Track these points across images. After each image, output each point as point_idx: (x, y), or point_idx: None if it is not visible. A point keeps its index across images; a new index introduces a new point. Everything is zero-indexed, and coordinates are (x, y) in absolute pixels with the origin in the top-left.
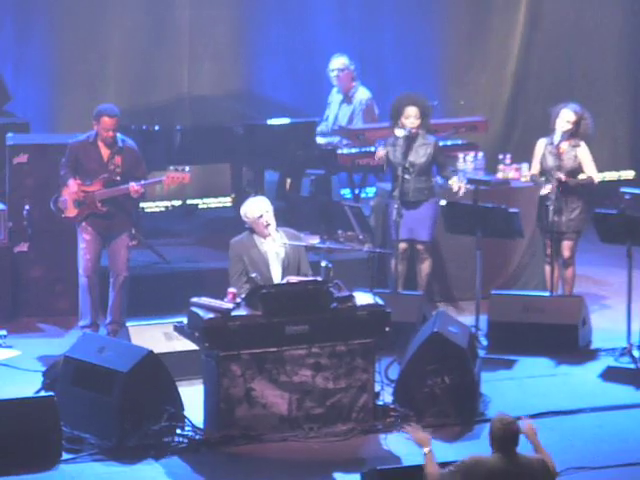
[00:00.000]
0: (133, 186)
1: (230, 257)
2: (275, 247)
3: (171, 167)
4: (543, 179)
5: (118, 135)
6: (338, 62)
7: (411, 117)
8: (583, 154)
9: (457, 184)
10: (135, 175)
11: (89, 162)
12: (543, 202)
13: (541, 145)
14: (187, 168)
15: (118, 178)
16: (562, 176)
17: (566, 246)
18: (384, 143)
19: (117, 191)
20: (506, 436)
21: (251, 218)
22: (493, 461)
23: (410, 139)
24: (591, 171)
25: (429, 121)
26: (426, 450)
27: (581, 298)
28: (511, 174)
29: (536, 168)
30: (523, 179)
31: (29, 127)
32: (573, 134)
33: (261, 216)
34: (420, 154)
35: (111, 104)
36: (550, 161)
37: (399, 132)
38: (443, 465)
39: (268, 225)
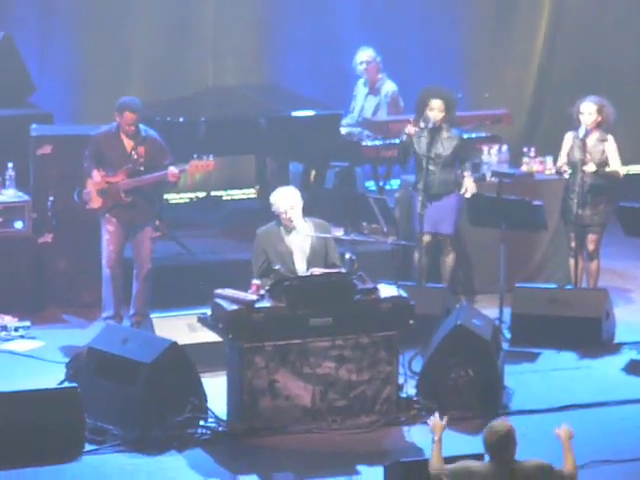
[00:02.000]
0: (172, 170)
1: (254, 247)
2: (300, 239)
3: (195, 156)
4: (570, 171)
5: (141, 126)
6: (365, 54)
7: (435, 109)
8: (610, 148)
9: (465, 185)
10: (160, 164)
11: (112, 153)
12: (568, 195)
13: (569, 138)
14: (211, 157)
15: (142, 168)
16: (592, 166)
17: (591, 239)
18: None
19: (141, 181)
20: (496, 443)
21: (277, 209)
22: (484, 469)
23: (434, 131)
24: (616, 165)
25: (454, 114)
26: (435, 438)
27: (605, 291)
28: (535, 167)
29: (563, 160)
30: (548, 172)
31: (53, 118)
32: (598, 125)
33: (285, 212)
34: (446, 147)
35: (134, 97)
36: (577, 154)
37: (423, 124)
38: (455, 459)
39: (290, 221)
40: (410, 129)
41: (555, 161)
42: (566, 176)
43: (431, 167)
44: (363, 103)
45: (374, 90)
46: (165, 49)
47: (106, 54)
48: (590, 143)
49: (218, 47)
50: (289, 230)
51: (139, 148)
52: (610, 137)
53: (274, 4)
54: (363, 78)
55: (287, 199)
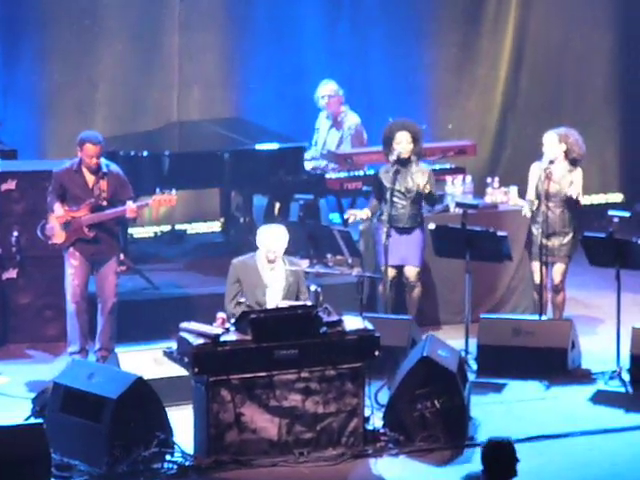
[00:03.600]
0: (130, 205)
1: (228, 277)
2: (277, 274)
3: (157, 190)
4: (536, 202)
5: (102, 160)
6: (327, 88)
7: (402, 142)
8: (577, 179)
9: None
10: (122, 199)
11: (74, 189)
12: (533, 226)
13: (535, 169)
14: (174, 191)
15: (104, 203)
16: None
17: (557, 271)
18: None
19: (105, 215)
20: (490, 452)
21: (265, 246)
22: None
23: (402, 164)
24: (577, 192)
25: (421, 146)
26: None
27: (570, 321)
28: (499, 198)
29: (531, 192)
30: (511, 202)
31: (17, 154)
32: (565, 156)
33: (273, 251)
34: (416, 181)
35: (94, 131)
36: (542, 185)
37: (391, 157)
38: None
39: (273, 260)
40: (361, 216)
41: (522, 192)
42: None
43: (400, 201)
44: (326, 136)
45: (337, 123)
46: (130, 80)
47: (70, 88)
48: (558, 174)
49: (184, 78)
50: (265, 264)
51: (101, 183)
52: (578, 170)
53: (239, 36)
54: (325, 111)
55: (277, 241)
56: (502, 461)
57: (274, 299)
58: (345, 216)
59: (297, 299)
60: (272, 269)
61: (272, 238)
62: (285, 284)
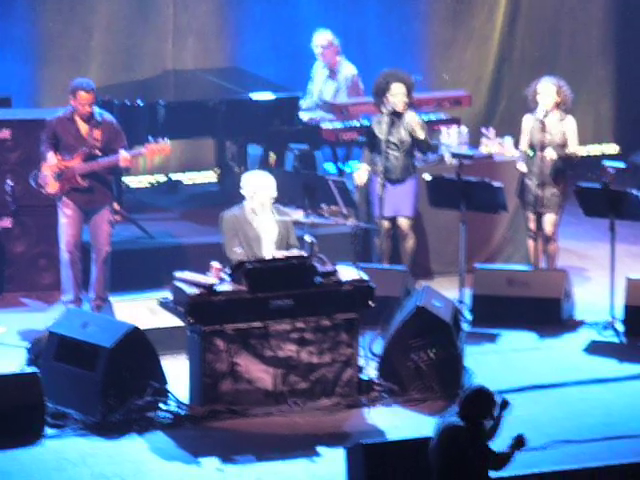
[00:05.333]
0: (123, 154)
1: (224, 231)
2: (267, 223)
3: (151, 139)
4: (532, 154)
5: (96, 109)
6: (322, 38)
7: (399, 94)
8: (569, 128)
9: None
10: (116, 148)
11: (68, 137)
12: (526, 176)
13: (528, 120)
14: (167, 139)
15: (98, 152)
16: (552, 153)
17: (549, 221)
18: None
19: (98, 164)
20: (466, 396)
21: (250, 191)
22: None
23: (396, 116)
24: (575, 146)
25: (412, 97)
26: None
27: (564, 272)
28: (494, 148)
29: (524, 143)
30: (507, 153)
31: (11, 102)
32: (557, 106)
33: (259, 193)
34: (408, 130)
35: (87, 78)
36: (536, 135)
37: (385, 109)
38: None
39: (263, 204)
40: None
41: (516, 144)
42: (520, 167)
43: (393, 152)
44: (322, 86)
45: (333, 73)
46: (125, 29)
47: (65, 36)
48: (550, 124)
49: (178, 27)
50: (255, 215)
51: (95, 131)
52: (570, 117)
53: None
54: (321, 61)
55: (265, 183)
56: (478, 405)
57: (268, 249)
58: (355, 182)
59: (288, 249)
60: (263, 219)
61: (257, 181)
62: (277, 234)
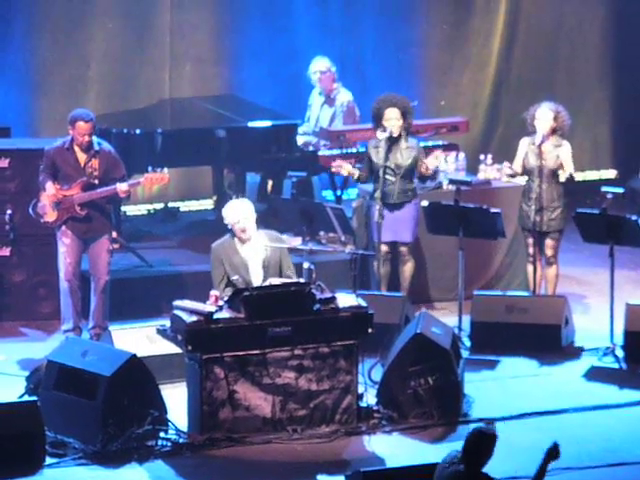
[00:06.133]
0: (120, 186)
1: (212, 261)
2: (255, 251)
3: (149, 168)
4: (526, 177)
5: (94, 139)
6: (320, 64)
7: (392, 119)
8: (565, 153)
9: (434, 160)
10: (114, 177)
11: (66, 167)
12: (525, 201)
13: (524, 144)
14: (165, 169)
15: (96, 181)
16: (563, 175)
17: (549, 245)
18: (365, 149)
19: (97, 194)
20: (472, 442)
21: (229, 221)
22: (451, 464)
23: (392, 141)
24: (570, 169)
25: (411, 122)
26: None
27: (564, 298)
28: (492, 174)
29: (518, 166)
30: (504, 179)
31: (10, 132)
32: (554, 131)
33: (238, 222)
34: (405, 157)
35: (86, 109)
36: (532, 160)
37: (380, 135)
38: (416, 468)
39: (244, 231)
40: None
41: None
42: (521, 181)
43: (390, 177)
44: (319, 113)
45: (330, 100)
46: (122, 57)
47: (62, 65)
48: (545, 149)
49: (175, 55)
50: (243, 242)
51: (93, 161)
52: (566, 143)
53: (232, 10)
54: (318, 87)
55: (238, 210)
56: (482, 452)
57: (255, 275)
58: (333, 164)
59: (281, 275)
60: (249, 245)
61: (232, 210)
62: (264, 258)
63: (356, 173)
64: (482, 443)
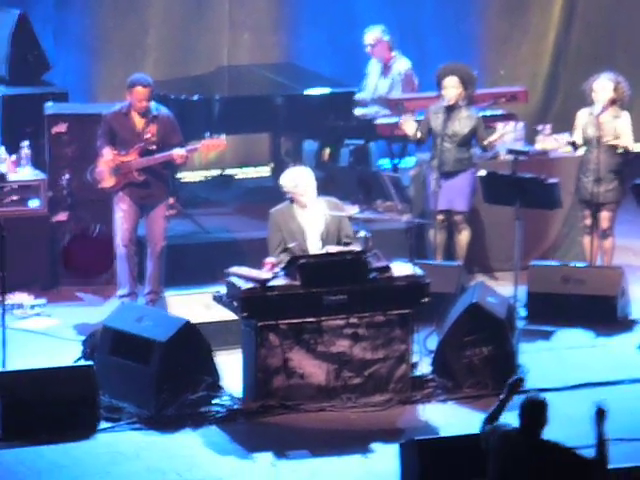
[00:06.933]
0: (177, 152)
1: (269, 227)
2: (314, 218)
3: (207, 135)
4: (584, 148)
5: (152, 104)
6: (370, 37)
7: (449, 87)
8: (623, 124)
9: (499, 132)
10: (171, 143)
11: (124, 132)
12: (582, 172)
13: (583, 115)
14: (223, 136)
15: (154, 147)
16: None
17: (605, 217)
18: (425, 112)
19: (154, 159)
20: (529, 409)
21: (287, 188)
22: (511, 434)
23: (451, 109)
24: (628, 141)
25: (472, 91)
26: None
27: (620, 269)
28: (550, 145)
29: (578, 137)
30: (562, 149)
31: (68, 96)
32: (613, 102)
33: (296, 186)
34: (462, 125)
35: (143, 74)
36: (590, 131)
37: (441, 102)
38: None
39: (302, 196)
40: (407, 127)
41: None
42: (580, 152)
43: (447, 145)
44: (377, 81)
45: (386, 69)
46: (181, 24)
47: (121, 31)
48: (604, 120)
49: (234, 23)
50: (302, 208)
51: (150, 126)
52: (625, 113)
53: None
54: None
55: (298, 177)
56: (537, 419)
57: (313, 242)
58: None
59: (339, 244)
60: (307, 212)
61: (291, 178)
62: (323, 228)
63: (418, 134)
64: (536, 411)
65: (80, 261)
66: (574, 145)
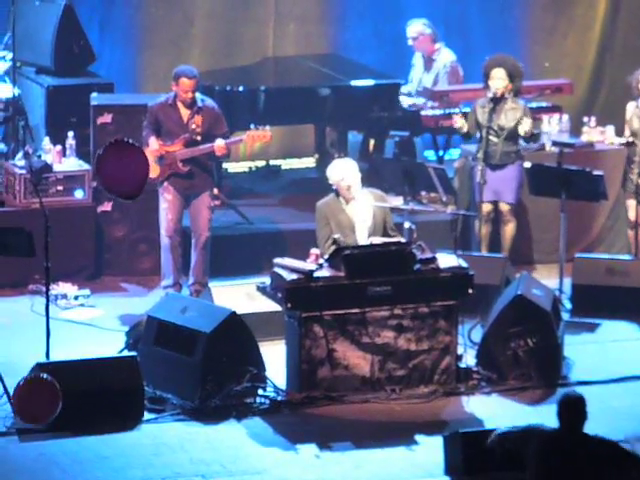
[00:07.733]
0: (218, 144)
1: (317, 220)
2: (361, 209)
3: (252, 126)
4: (632, 140)
5: (197, 95)
6: (412, 30)
7: (496, 79)
8: None
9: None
10: (216, 134)
11: (169, 123)
12: (628, 165)
13: (630, 108)
14: (268, 127)
15: (199, 138)
16: None
17: None
18: (472, 105)
19: (199, 150)
20: (567, 407)
21: (333, 180)
22: (552, 434)
23: (497, 101)
24: None
25: (519, 83)
26: None
27: None
28: (595, 137)
29: (627, 131)
30: (608, 142)
31: (113, 87)
32: None
33: (343, 179)
34: (509, 118)
35: (190, 65)
36: (637, 124)
37: (488, 95)
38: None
39: (348, 189)
40: (458, 123)
41: (618, 132)
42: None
43: (493, 138)
44: (422, 74)
45: (430, 61)
46: (226, 15)
47: (167, 22)
48: None
49: (280, 13)
50: (348, 201)
51: (196, 117)
52: None
53: None
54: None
55: (343, 167)
56: (576, 416)
57: (361, 233)
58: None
59: (384, 235)
60: (354, 204)
61: (337, 170)
62: (371, 220)
63: (465, 127)
64: (576, 407)
65: (114, 170)
66: (630, 144)
